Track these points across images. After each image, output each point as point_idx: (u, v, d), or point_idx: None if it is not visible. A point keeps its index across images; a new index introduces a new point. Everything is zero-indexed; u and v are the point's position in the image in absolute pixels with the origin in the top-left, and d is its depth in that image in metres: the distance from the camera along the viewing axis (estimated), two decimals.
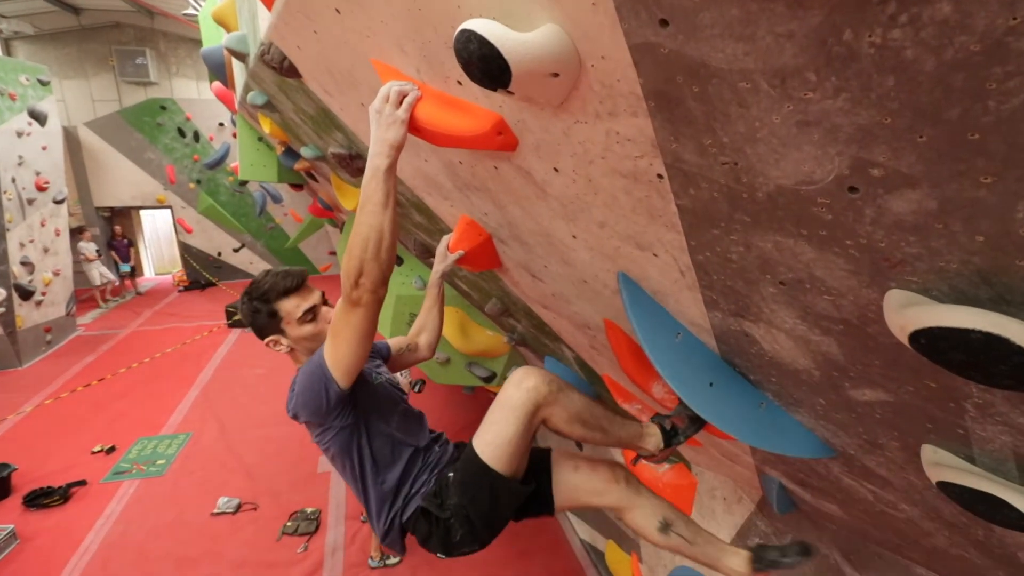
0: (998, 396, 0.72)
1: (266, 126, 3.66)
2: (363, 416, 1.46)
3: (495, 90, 0.78)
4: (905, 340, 0.64)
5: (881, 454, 1.16)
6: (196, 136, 12.81)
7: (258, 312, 1.47)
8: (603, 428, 1.54)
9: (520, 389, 1.39)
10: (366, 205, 1.15)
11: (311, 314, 1.50)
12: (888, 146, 0.53)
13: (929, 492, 1.16)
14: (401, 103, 1.12)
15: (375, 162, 1.15)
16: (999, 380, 0.56)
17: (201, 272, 13.41)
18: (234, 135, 8.46)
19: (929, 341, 0.60)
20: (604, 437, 1.55)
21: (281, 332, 1.49)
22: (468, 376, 4.14)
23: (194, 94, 12.97)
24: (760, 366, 1.20)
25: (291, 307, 1.48)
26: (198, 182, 13.12)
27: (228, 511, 4.99)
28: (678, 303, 1.22)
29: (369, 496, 1.49)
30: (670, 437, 1.68)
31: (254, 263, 14.11)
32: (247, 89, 3.05)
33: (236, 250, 13.89)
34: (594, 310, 1.77)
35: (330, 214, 6.61)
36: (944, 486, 0.90)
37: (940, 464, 0.92)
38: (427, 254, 3.09)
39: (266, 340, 1.50)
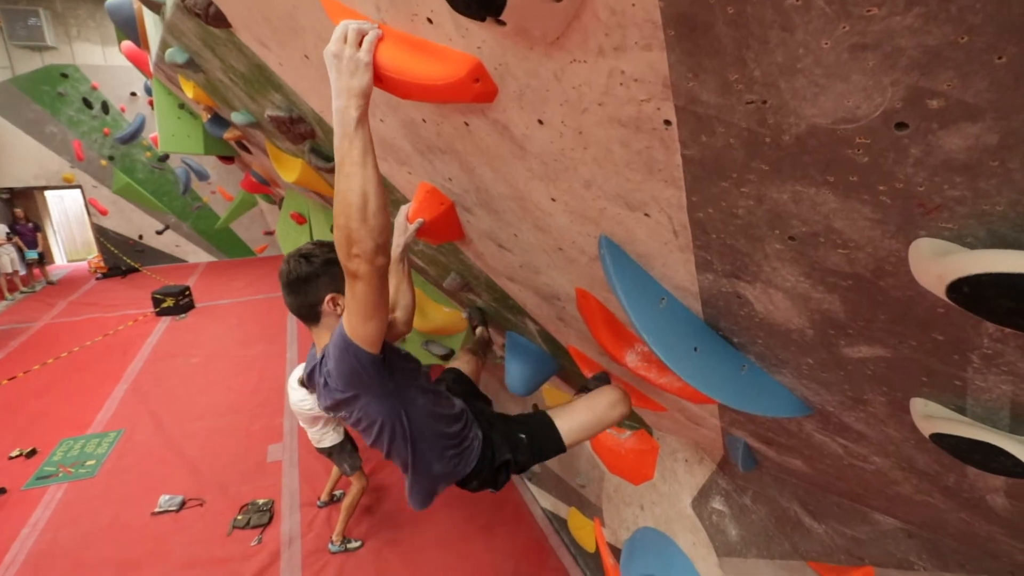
0: (1010, 345, 0.71)
1: (188, 90, 3.29)
2: (402, 378, 1.47)
3: (483, 19, 0.67)
4: (941, 290, 0.60)
5: (863, 410, 1.17)
6: (105, 107, 11.59)
7: (332, 265, 1.41)
8: None
9: (615, 412, 1.95)
10: (343, 167, 1.07)
11: (336, 303, 1.48)
12: (956, 71, 0.47)
13: (906, 443, 1.19)
14: (362, 43, 0.97)
15: (344, 116, 1.03)
16: None
17: (121, 257, 12.34)
18: (150, 103, 7.67)
19: (972, 289, 0.56)
20: None
21: (340, 290, 1.41)
22: (425, 355, 4.02)
23: (100, 60, 11.66)
24: (748, 328, 1.18)
25: (325, 286, 1.46)
26: (111, 158, 11.93)
27: (171, 509, 4.69)
28: (665, 267, 1.16)
29: (421, 453, 1.53)
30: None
31: (181, 246, 13.15)
32: (164, 46, 2.70)
33: (159, 232, 12.86)
34: (566, 280, 1.70)
35: (266, 189, 6.09)
36: (939, 438, 0.90)
37: (932, 417, 0.93)
38: None
39: (326, 300, 1.45)
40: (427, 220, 1.76)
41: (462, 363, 2.61)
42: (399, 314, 1.91)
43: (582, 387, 2.43)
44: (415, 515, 4.67)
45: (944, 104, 0.49)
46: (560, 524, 4.50)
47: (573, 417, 1.90)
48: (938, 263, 0.59)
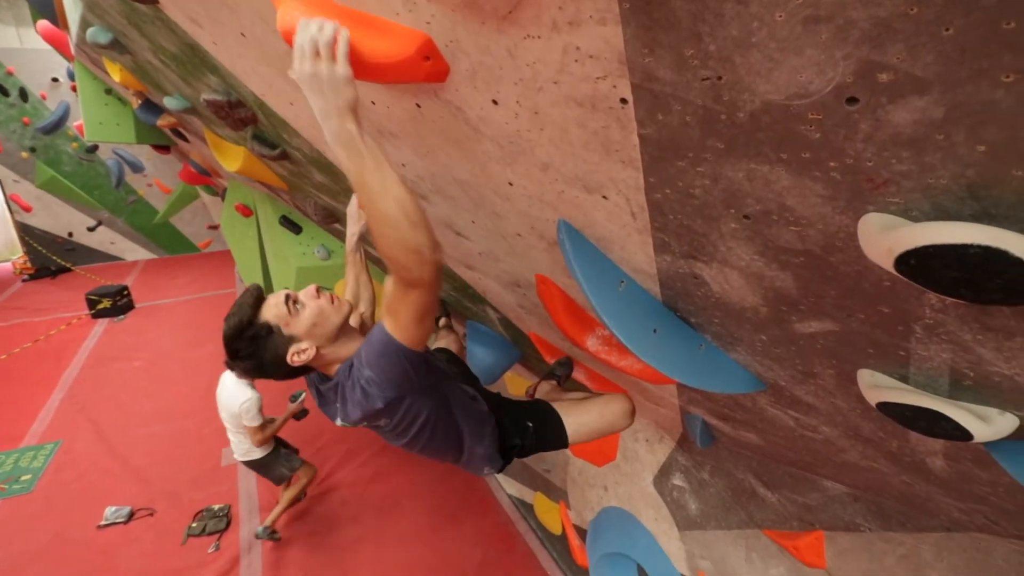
0: (951, 315, 0.74)
1: (115, 74, 3.05)
2: (438, 372, 1.52)
3: None
4: (889, 263, 0.61)
5: (813, 383, 1.22)
6: (23, 94, 10.65)
7: (257, 338, 1.29)
8: None
9: (623, 421, 2.08)
10: (365, 186, 1.00)
11: (292, 300, 1.34)
12: (906, 44, 0.47)
13: (853, 413, 1.24)
14: (334, 54, 0.87)
15: (341, 135, 0.95)
16: (989, 295, 0.55)
17: (50, 257, 11.47)
18: (73, 89, 7.07)
19: (919, 261, 0.57)
20: None
21: (292, 339, 1.33)
22: None
23: (15, 43, 10.68)
24: (704, 308, 1.20)
25: (275, 311, 1.32)
26: (32, 150, 11.01)
27: (119, 521, 4.45)
28: (624, 249, 1.16)
29: (467, 438, 1.60)
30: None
31: (116, 243, 12.35)
32: (85, 25, 2.49)
33: (91, 229, 12.01)
34: (526, 266, 1.69)
35: (207, 180, 5.73)
36: (885, 406, 0.94)
37: (879, 387, 0.97)
38: (330, 219, 2.81)
39: (290, 357, 1.33)
40: None
41: (449, 342, 2.59)
42: (363, 308, 1.87)
43: (548, 373, 2.45)
44: (380, 510, 4.62)
45: (894, 78, 0.50)
46: (527, 509, 4.55)
47: (582, 417, 1.98)
48: (886, 237, 0.61)
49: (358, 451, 5.28)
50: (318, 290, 1.38)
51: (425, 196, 1.62)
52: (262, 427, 3.85)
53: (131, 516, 4.52)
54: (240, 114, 2.03)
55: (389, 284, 1.19)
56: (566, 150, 0.92)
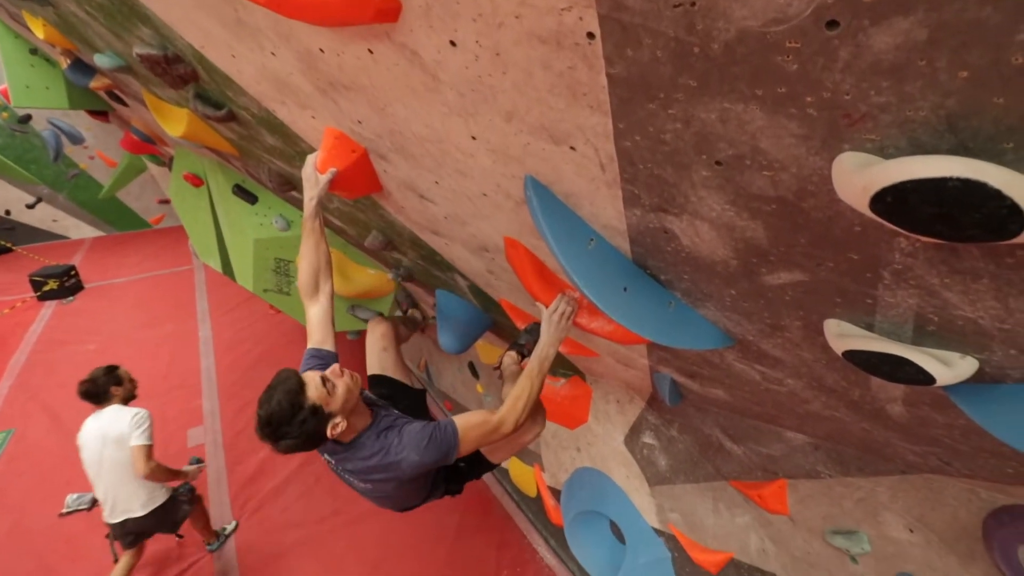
0: (920, 259, 0.73)
1: (38, 30, 2.77)
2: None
3: None
4: (864, 202, 0.60)
5: (781, 336, 1.23)
6: None
7: (306, 420, 1.47)
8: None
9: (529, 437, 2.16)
10: (542, 375, 1.77)
11: (327, 381, 1.54)
12: None
13: (817, 364, 1.26)
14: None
15: (550, 362, 1.76)
16: (966, 231, 0.54)
17: None
18: None
19: (896, 198, 0.55)
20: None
21: (330, 415, 1.53)
22: (352, 320, 3.84)
23: None
24: (674, 264, 1.18)
25: (316, 392, 1.50)
26: None
27: (81, 508, 4.31)
28: (593, 205, 1.13)
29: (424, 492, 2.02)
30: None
31: (59, 220, 11.63)
32: None
33: (30, 206, 11.24)
34: (493, 228, 1.64)
35: (151, 148, 5.29)
36: (850, 354, 0.95)
37: (845, 335, 0.97)
38: (287, 186, 2.67)
39: (329, 431, 1.54)
40: (339, 170, 1.61)
41: (379, 338, 2.60)
42: (325, 285, 1.80)
43: (513, 344, 2.43)
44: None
45: None
46: (502, 475, 4.62)
47: (496, 449, 2.14)
48: (862, 175, 0.59)
49: None
50: (341, 369, 1.60)
51: (385, 156, 1.54)
52: (152, 450, 3.28)
53: (95, 502, 4.38)
54: (178, 70, 1.87)
55: (485, 421, 1.66)
56: (531, 96, 0.86)
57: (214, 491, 4.52)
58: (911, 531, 1.71)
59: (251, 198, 3.21)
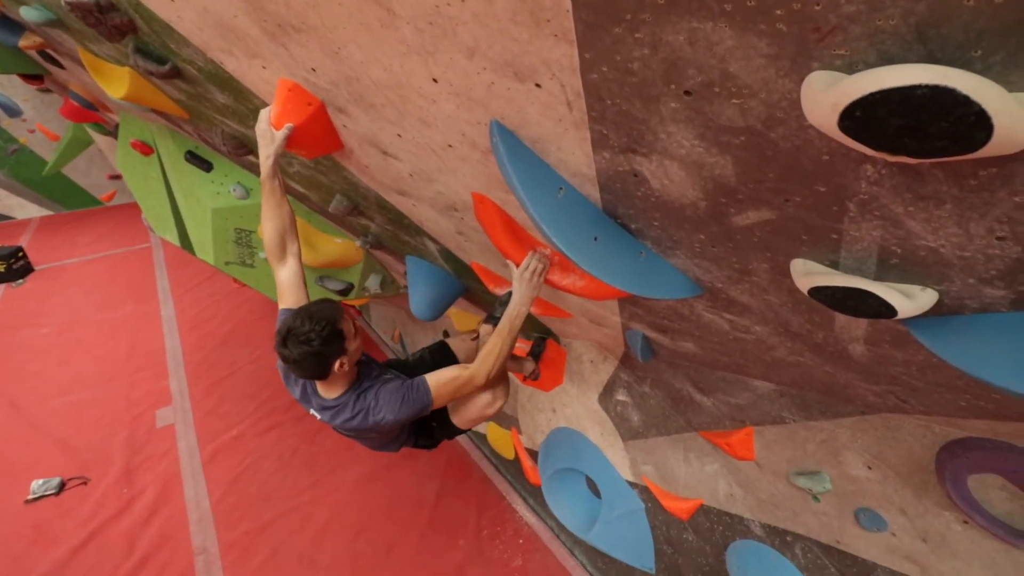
0: (886, 187, 0.73)
1: None
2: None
3: None
4: (834, 120, 0.58)
5: (748, 280, 1.24)
6: None
7: (332, 337, 1.58)
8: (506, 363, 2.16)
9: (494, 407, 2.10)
10: (513, 332, 1.78)
11: (356, 325, 1.69)
12: None
13: (783, 308, 1.29)
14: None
15: (521, 320, 1.75)
16: (934, 143, 0.53)
17: None
18: None
19: (865, 112, 0.54)
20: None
21: (345, 352, 1.63)
22: (320, 291, 3.76)
23: None
24: (644, 210, 1.17)
25: (346, 327, 1.64)
26: None
27: (48, 493, 4.20)
28: (561, 150, 1.09)
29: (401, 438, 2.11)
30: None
31: (1, 199, 10.93)
32: None
33: None
34: (461, 184, 1.59)
35: (93, 116, 4.83)
36: (816, 291, 0.96)
37: (811, 273, 0.98)
38: (242, 149, 2.55)
39: (338, 364, 1.62)
40: (295, 126, 1.52)
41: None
42: (292, 246, 1.78)
43: (489, 316, 2.43)
44: (333, 454, 4.60)
45: None
46: (480, 439, 4.68)
47: (460, 409, 2.15)
48: (831, 92, 0.57)
49: None
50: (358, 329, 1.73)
51: (343, 108, 1.47)
52: None
53: (62, 487, 4.27)
54: (114, 20, 1.72)
55: (460, 375, 1.74)
56: (492, 26, 0.82)
57: (187, 470, 4.44)
58: (869, 468, 1.80)
59: (205, 165, 3.05)
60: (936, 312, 0.92)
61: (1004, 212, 0.67)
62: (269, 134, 1.54)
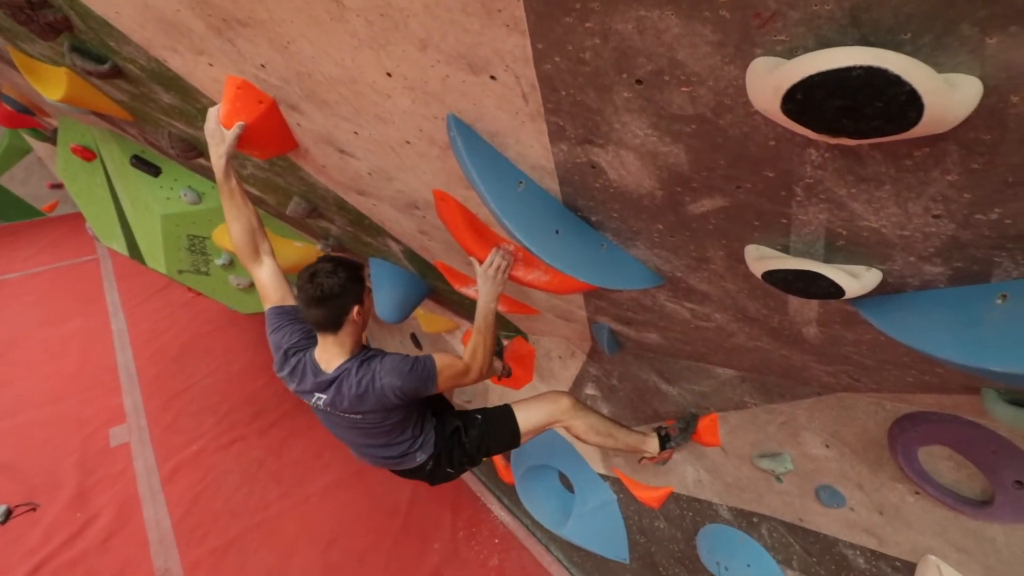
0: (829, 170, 0.76)
1: None
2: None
3: None
4: (777, 104, 0.60)
5: (706, 268, 1.27)
6: None
7: (355, 280, 1.61)
8: (612, 435, 2.10)
9: (557, 404, 2.03)
10: (489, 329, 1.76)
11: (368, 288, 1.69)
12: None
13: (740, 294, 1.32)
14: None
15: (493, 313, 1.75)
16: (870, 123, 0.56)
17: None
18: None
19: (805, 94, 0.56)
20: (615, 443, 2.10)
21: (362, 301, 1.64)
22: None
23: None
24: (603, 202, 1.18)
25: (366, 283, 1.67)
26: None
27: None
28: (519, 143, 1.09)
29: (422, 433, 1.90)
30: (665, 442, 2.17)
31: None
32: None
33: None
34: (420, 181, 1.57)
35: (30, 121, 4.52)
36: (769, 275, 0.99)
37: (763, 258, 1.01)
38: (192, 152, 2.45)
39: (355, 312, 1.62)
40: (247, 125, 1.47)
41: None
42: (264, 244, 1.74)
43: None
44: (301, 464, 4.48)
45: None
46: None
47: (524, 406, 2.06)
48: (773, 76, 0.59)
49: (266, 412, 5.02)
50: None
51: (296, 106, 1.43)
52: None
53: (9, 515, 4.02)
54: (47, 17, 1.63)
55: (454, 364, 1.71)
56: (443, 17, 0.81)
57: (145, 490, 4.25)
58: (827, 447, 1.87)
59: (153, 170, 2.91)
60: (881, 291, 0.96)
61: (938, 191, 0.70)
62: (219, 133, 1.49)
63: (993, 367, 0.77)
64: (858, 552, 1.91)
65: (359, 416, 1.70)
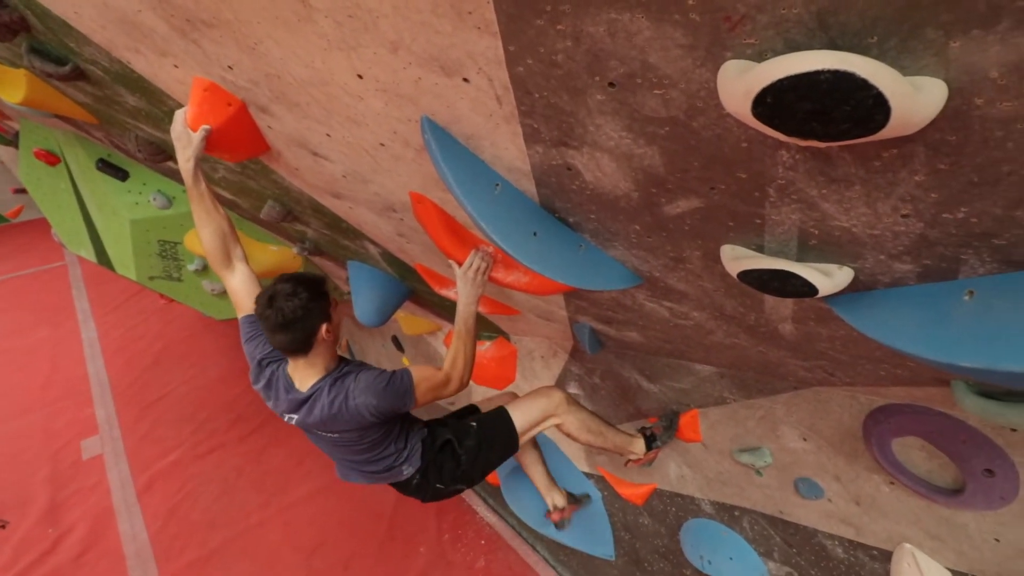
0: (800, 171, 0.77)
1: None
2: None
3: None
4: (747, 107, 0.60)
5: (683, 268, 1.28)
6: None
7: (319, 296, 1.53)
8: (603, 434, 2.07)
9: (551, 400, 2.01)
10: (470, 334, 1.72)
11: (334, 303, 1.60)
12: None
13: (717, 293, 1.33)
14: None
15: (473, 316, 1.72)
16: (839, 126, 0.56)
17: None
18: None
19: (775, 98, 0.56)
20: (604, 441, 2.09)
21: (329, 317, 1.57)
22: None
23: None
24: (580, 203, 1.17)
25: (329, 293, 1.59)
26: None
27: None
28: (494, 146, 1.08)
29: (406, 446, 1.83)
30: (651, 442, 2.17)
31: None
32: None
33: None
34: (397, 184, 1.55)
35: None
36: (744, 274, 1.00)
37: (739, 258, 1.02)
38: (160, 155, 2.38)
39: (324, 330, 1.55)
40: (214, 127, 1.43)
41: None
42: (237, 249, 1.68)
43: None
44: (282, 472, 4.41)
45: None
46: None
47: (518, 406, 2.02)
48: (744, 79, 0.59)
49: (245, 419, 4.93)
50: None
51: (266, 108, 1.39)
52: None
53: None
54: (2, 17, 1.56)
55: (433, 375, 1.65)
56: (414, 19, 0.79)
57: (120, 503, 4.13)
58: (805, 440, 1.90)
59: (120, 174, 2.83)
60: (853, 288, 0.98)
61: (907, 191, 0.72)
62: (185, 136, 1.44)
63: (961, 363, 0.79)
64: (836, 542, 1.95)
65: (336, 435, 1.66)
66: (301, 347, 1.53)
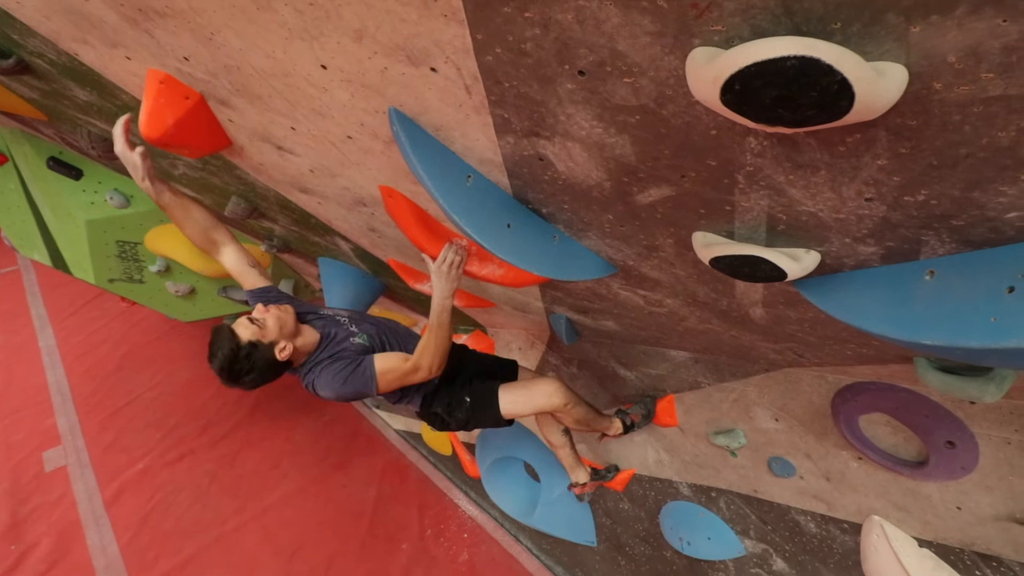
0: (768, 158, 0.78)
1: None
2: None
3: None
4: (716, 94, 0.61)
5: (656, 256, 1.29)
6: None
7: (250, 356, 1.54)
8: (589, 424, 2.09)
9: (549, 400, 1.93)
10: (443, 327, 1.67)
11: (254, 320, 1.57)
12: None
13: (690, 279, 1.35)
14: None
15: (447, 311, 1.65)
16: (805, 112, 0.57)
17: None
18: None
19: (743, 84, 0.57)
20: (588, 429, 2.13)
21: (272, 344, 1.58)
22: (224, 303, 3.49)
23: None
24: (553, 194, 1.17)
25: (247, 332, 1.55)
26: None
27: None
28: (465, 137, 1.07)
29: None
30: (629, 429, 2.27)
31: None
32: None
33: None
34: (366, 178, 1.52)
35: None
36: (716, 261, 1.02)
37: (710, 245, 1.04)
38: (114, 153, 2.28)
39: (278, 354, 1.58)
40: (171, 122, 1.38)
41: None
42: (219, 235, 1.68)
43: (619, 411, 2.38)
44: (257, 475, 4.31)
45: None
46: (415, 439, 4.58)
47: (512, 392, 1.99)
48: (712, 66, 0.59)
49: (216, 424, 4.78)
50: (266, 307, 1.62)
51: (226, 101, 1.34)
52: None
53: None
54: None
55: (401, 364, 1.65)
56: (378, 7, 0.77)
57: (87, 515, 3.98)
58: (776, 420, 1.96)
59: (73, 172, 2.69)
60: (820, 272, 1.00)
61: (870, 175, 0.73)
62: (130, 160, 1.43)
63: (923, 340, 0.81)
64: (809, 518, 2.02)
65: None
66: (272, 380, 1.64)
